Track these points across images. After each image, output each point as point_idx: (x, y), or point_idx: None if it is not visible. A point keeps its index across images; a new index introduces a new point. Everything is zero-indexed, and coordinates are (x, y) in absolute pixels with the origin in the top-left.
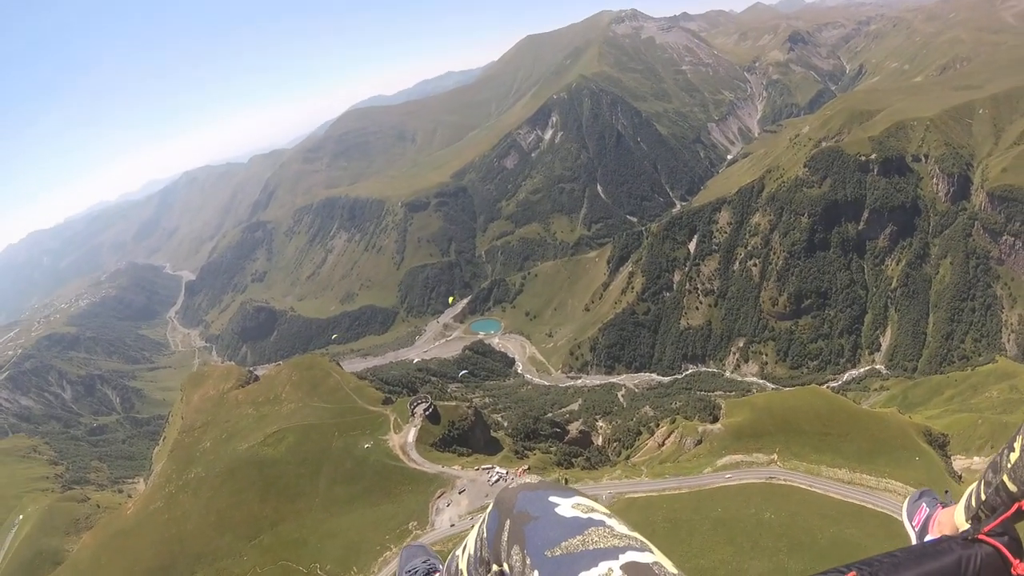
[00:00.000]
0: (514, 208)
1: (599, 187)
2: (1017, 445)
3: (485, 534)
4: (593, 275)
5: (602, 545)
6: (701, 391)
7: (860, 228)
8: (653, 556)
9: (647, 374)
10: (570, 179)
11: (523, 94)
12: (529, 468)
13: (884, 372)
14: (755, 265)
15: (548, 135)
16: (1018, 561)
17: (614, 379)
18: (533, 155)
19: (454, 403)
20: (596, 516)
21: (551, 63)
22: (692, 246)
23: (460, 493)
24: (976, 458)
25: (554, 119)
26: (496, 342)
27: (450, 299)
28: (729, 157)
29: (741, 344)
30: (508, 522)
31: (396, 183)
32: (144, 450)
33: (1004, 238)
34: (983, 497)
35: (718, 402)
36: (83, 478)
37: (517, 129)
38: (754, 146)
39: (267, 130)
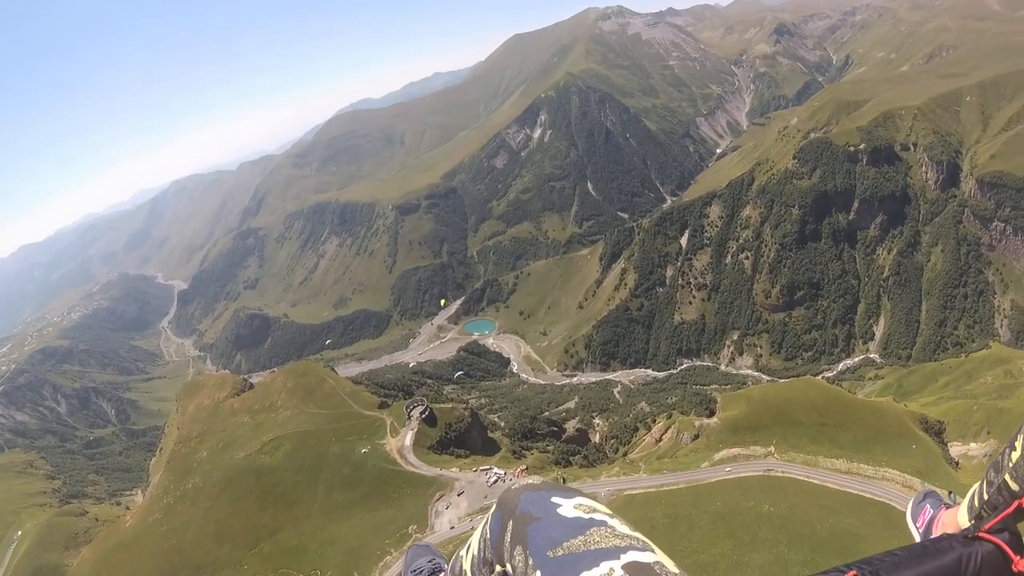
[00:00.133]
0: (505, 208)
1: (589, 184)
2: (1018, 444)
3: (488, 535)
4: (586, 272)
5: (604, 545)
6: (697, 385)
7: (851, 218)
8: (655, 556)
9: (642, 370)
10: (560, 177)
11: (511, 93)
12: (527, 468)
13: (878, 361)
14: (747, 258)
15: (537, 134)
16: (1019, 558)
17: (609, 376)
18: (523, 154)
19: (450, 405)
20: (598, 516)
21: (538, 62)
22: (684, 241)
23: (459, 495)
24: (972, 444)
25: (543, 118)
26: (491, 342)
27: (441, 302)
28: (718, 151)
29: (735, 337)
30: (511, 523)
31: (386, 186)
32: (141, 462)
33: (994, 224)
34: (986, 497)
35: (714, 396)
36: (81, 492)
37: (506, 129)
38: (743, 139)
39: (256, 137)
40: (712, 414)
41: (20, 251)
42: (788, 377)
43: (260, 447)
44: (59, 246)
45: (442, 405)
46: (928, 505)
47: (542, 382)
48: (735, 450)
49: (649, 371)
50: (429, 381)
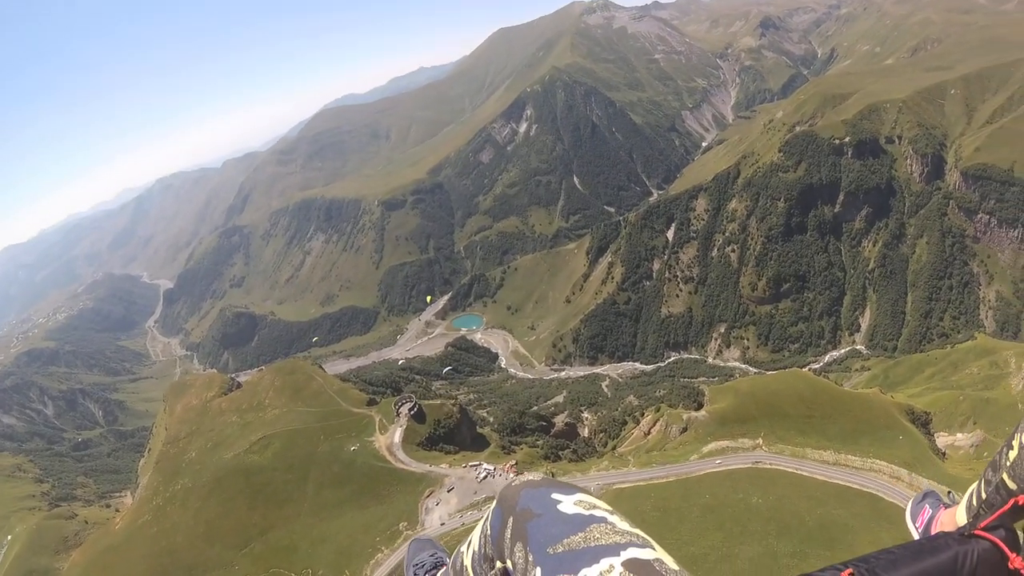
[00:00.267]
0: (491, 202)
1: (576, 178)
2: (1015, 443)
3: (489, 531)
4: (573, 267)
5: (604, 542)
6: (684, 378)
7: (836, 211)
8: (654, 552)
9: (630, 363)
10: (546, 171)
11: (496, 88)
12: (516, 463)
13: (865, 352)
14: (733, 251)
15: (523, 128)
16: (1014, 555)
17: (598, 370)
18: (509, 149)
19: (439, 401)
20: (598, 513)
21: (524, 56)
22: (670, 234)
23: (449, 491)
24: (959, 435)
25: (528, 112)
26: (479, 337)
27: (428, 298)
28: (704, 144)
29: (722, 330)
30: (511, 519)
31: (372, 182)
32: (130, 463)
33: (979, 216)
34: (984, 495)
35: (702, 389)
36: (70, 495)
37: (492, 123)
38: (729, 132)
39: (240, 133)
40: (700, 407)
41: (4, 252)
42: (775, 369)
43: (249, 446)
44: (43, 246)
45: (431, 401)
46: (927, 505)
47: (530, 377)
48: (723, 443)
49: (637, 364)
50: (417, 377)
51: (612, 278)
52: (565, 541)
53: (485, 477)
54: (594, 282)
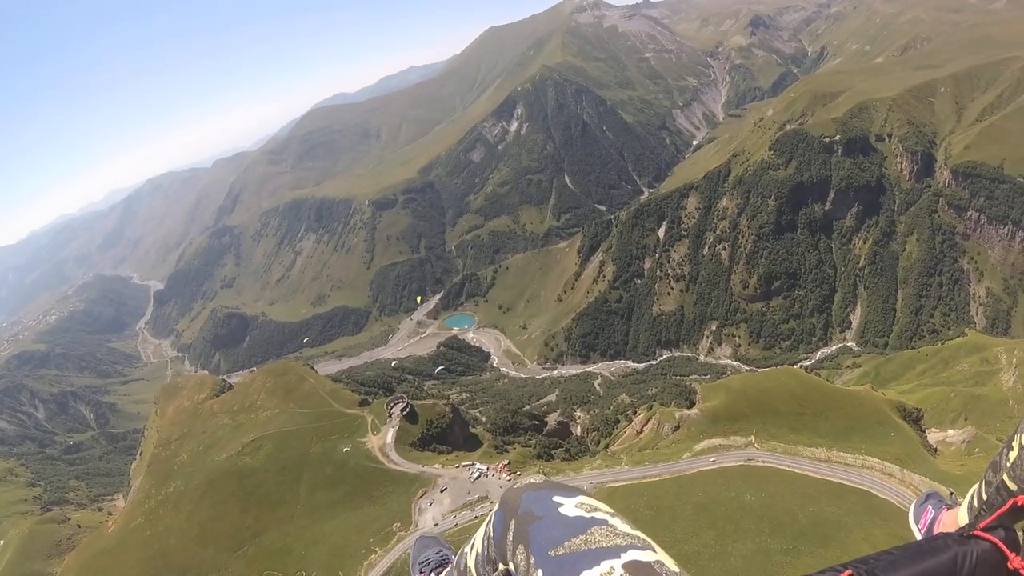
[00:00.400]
0: (482, 202)
1: (567, 177)
2: (1016, 444)
3: (492, 533)
4: (564, 265)
5: (604, 544)
6: (676, 376)
7: (827, 208)
8: (655, 555)
9: (622, 361)
10: (537, 170)
11: (487, 86)
12: (509, 463)
13: (856, 349)
14: (724, 249)
15: (514, 127)
16: (1014, 555)
17: (590, 368)
18: (499, 148)
19: (431, 401)
20: (599, 515)
21: (514, 54)
22: (661, 232)
23: (442, 491)
24: (950, 431)
25: (519, 111)
26: (471, 337)
27: (418, 299)
28: (695, 143)
29: (714, 327)
30: (513, 522)
31: (363, 181)
32: (122, 466)
33: (969, 213)
34: (984, 497)
35: (694, 387)
36: (62, 498)
37: (482, 122)
38: (719, 131)
39: (230, 133)
40: (692, 405)
41: None
42: (767, 366)
43: (241, 448)
44: (33, 248)
45: (423, 401)
46: (930, 506)
47: (523, 376)
48: (716, 440)
49: (629, 362)
50: (409, 377)
51: (603, 276)
52: (566, 544)
53: (478, 477)
54: (586, 281)
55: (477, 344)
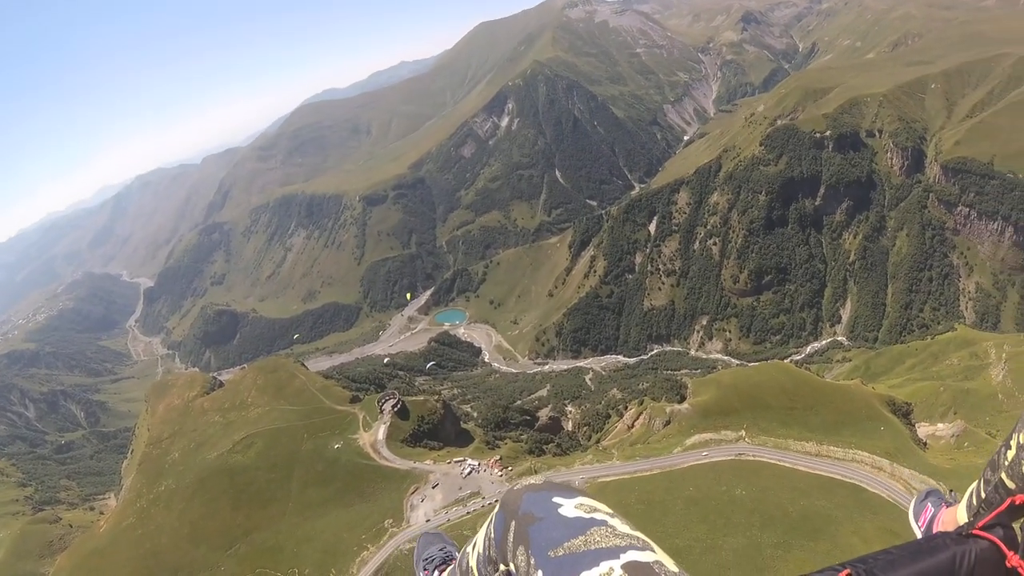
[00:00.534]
0: (473, 197)
1: (558, 172)
2: (1013, 443)
3: (492, 534)
4: (555, 260)
5: (604, 545)
6: (667, 371)
7: (817, 204)
8: (654, 555)
9: (613, 356)
10: (528, 165)
11: (478, 82)
12: (501, 458)
13: (846, 343)
14: (715, 244)
15: (505, 122)
16: (1012, 553)
17: (581, 363)
18: (490, 143)
19: (422, 397)
20: (599, 516)
21: (505, 50)
22: (652, 227)
23: (434, 488)
24: (940, 425)
25: (510, 106)
26: (462, 332)
27: (407, 295)
28: (686, 138)
29: (704, 322)
30: (513, 523)
31: (353, 177)
32: (113, 465)
33: (959, 209)
34: (983, 495)
35: (684, 381)
36: (53, 498)
37: (473, 117)
38: (710, 126)
39: (219, 129)
40: (683, 399)
41: None
42: (757, 361)
43: (232, 446)
44: (22, 246)
45: (414, 397)
46: (929, 504)
47: (514, 371)
48: (707, 435)
49: (620, 357)
50: (401, 373)
51: (594, 271)
52: (566, 544)
53: (470, 473)
54: (576, 276)
55: (468, 339)
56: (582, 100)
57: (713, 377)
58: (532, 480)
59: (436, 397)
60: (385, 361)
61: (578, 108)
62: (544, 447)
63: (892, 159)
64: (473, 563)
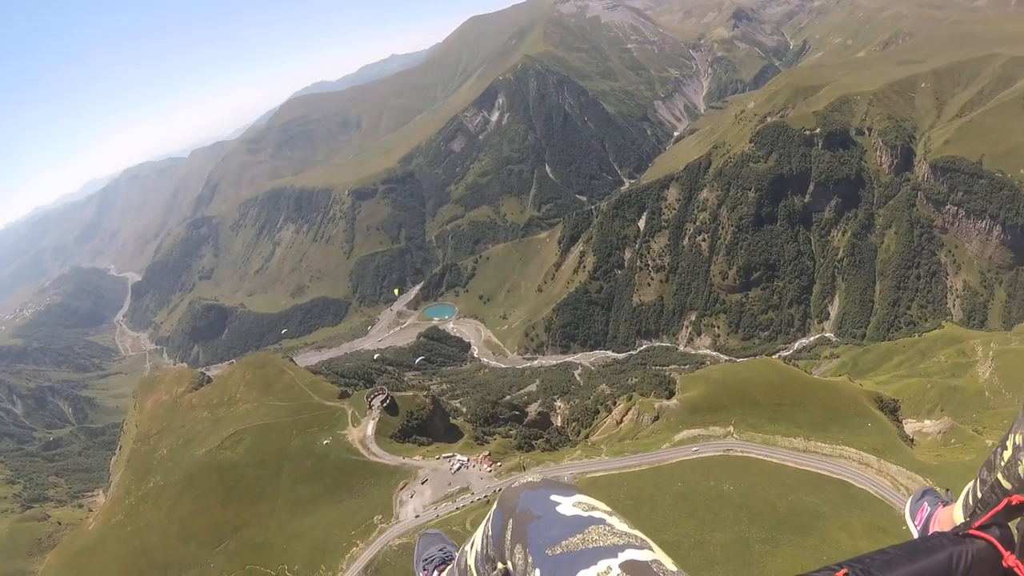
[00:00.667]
0: (463, 192)
1: (548, 167)
2: (1009, 443)
3: (490, 532)
4: (545, 256)
5: (602, 543)
6: (656, 366)
7: (806, 201)
8: (652, 554)
9: (602, 352)
10: (518, 160)
11: (469, 76)
12: (490, 454)
13: (834, 340)
14: (704, 240)
15: (495, 117)
16: (1008, 553)
17: (570, 358)
18: (480, 137)
19: (411, 393)
20: (596, 514)
21: (496, 44)
22: (642, 223)
23: (423, 483)
24: (927, 421)
25: (500, 100)
26: (451, 327)
27: (395, 291)
28: (676, 134)
29: (693, 318)
30: (511, 521)
31: (342, 171)
32: (101, 461)
33: (947, 207)
34: (979, 495)
35: (673, 377)
36: (42, 495)
37: (463, 112)
38: (700, 123)
39: (208, 122)
40: (672, 395)
41: None
42: (746, 357)
43: (220, 442)
44: (9, 240)
45: (403, 393)
46: (926, 503)
47: (503, 366)
48: (695, 431)
49: (609, 353)
50: (390, 368)
51: (584, 267)
52: (564, 543)
53: (459, 468)
54: (566, 271)
55: (457, 334)
56: (573, 95)
57: (702, 373)
58: (530, 478)
59: (425, 392)
60: (374, 356)
61: (569, 103)
62: (533, 442)
63: (881, 157)
64: (471, 561)
